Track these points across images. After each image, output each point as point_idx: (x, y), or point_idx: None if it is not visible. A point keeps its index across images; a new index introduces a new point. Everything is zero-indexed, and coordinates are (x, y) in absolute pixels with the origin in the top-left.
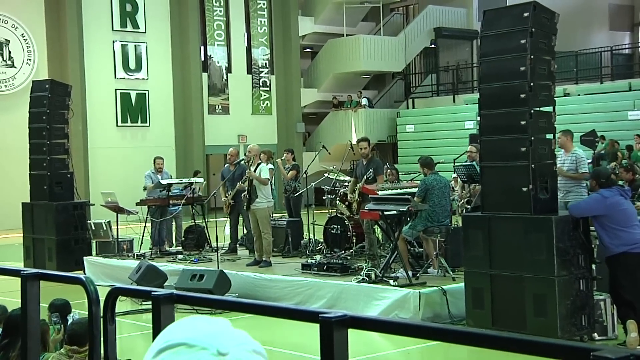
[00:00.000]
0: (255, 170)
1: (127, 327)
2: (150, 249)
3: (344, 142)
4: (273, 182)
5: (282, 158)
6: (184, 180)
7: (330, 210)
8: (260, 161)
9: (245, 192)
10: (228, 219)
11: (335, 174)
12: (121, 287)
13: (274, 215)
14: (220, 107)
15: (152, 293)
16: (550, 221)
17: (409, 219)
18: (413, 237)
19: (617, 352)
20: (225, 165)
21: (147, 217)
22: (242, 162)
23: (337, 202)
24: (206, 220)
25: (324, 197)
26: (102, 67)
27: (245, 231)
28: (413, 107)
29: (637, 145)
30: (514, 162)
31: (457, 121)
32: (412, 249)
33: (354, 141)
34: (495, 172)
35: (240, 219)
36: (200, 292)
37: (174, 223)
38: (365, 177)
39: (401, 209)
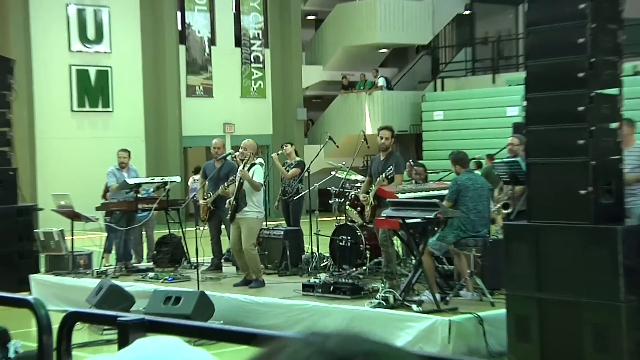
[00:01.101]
0: (248, 170)
1: None
2: (113, 264)
3: (356, 133)
4: (266, 182)
5: (280, 152)
6: (156, 179)
7: (339, 218)
8: (255, 162)
9: (232, 198)
10: (207, 227)
11: (345, 172)
12: (80, 312)
13: (267, 224)
14: (201, 88)
15: (119, 319)
16: (614, 232)
17: (436, 228)
18: (442, 252)
19: None
20: (210, 161)
21: (109, 225)
22: (229, 158)
23: (347, 207)
24: (184, 229)
25: (330, 201)
26: (54, 38)
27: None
28: (442, 89)
29: None
30: (569, 159)
31: (497, 107)
32: (440, 266)
33: (369, 131)
34: (545, 170)
35: (223, 226)
36: (176, 318)
37: (143, 233)
38: (384, 175)
39: (427, 216)
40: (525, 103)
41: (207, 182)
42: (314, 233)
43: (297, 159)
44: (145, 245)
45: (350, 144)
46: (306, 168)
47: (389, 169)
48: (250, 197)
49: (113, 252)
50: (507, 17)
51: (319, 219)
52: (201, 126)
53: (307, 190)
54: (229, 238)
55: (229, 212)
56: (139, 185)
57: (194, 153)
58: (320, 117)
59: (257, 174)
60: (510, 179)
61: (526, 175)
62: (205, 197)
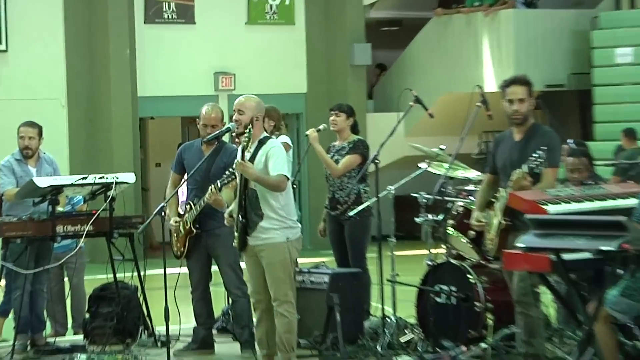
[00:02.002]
0: (254, 157)
1: None
2: (10, 340)
3: (466, 91)
4: (296, 182)
5: (322, 127)
6: (90, 178)
7: (434, 251)
8: (267, 135)
9: (234, 208)
10: (187, 269)
11: (446, 166)
12: None
13: (298, 260)
14: (173, 8)
15: None
16: None
17: (621, 271)
18: (632, 316)
19: None
20: (191, 142)
21: (4, 266)
22: (227, 137)
23: (451, 230)
24: (142, 272)
25: (418, 219)
26: None
27: (228, 301)
28: (631, 6)
29: None
30: None
31: None
32: (630, 342)
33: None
34: None
35: (215, 266)
36: None
37: (66, 279)
38: (522, 169)
39: (604, 249)
40: None
41: (185, 184)
42: (388, 280)
43: (355, 138)
44: (69, 302)
45: (455, 112)
46: (373, 157)
47: (533, 157)
48: (267, 202)
49: (10, 315)
50: None
51: (396, 252)
52: (173, 79)
53: (375, 198)
54: (226, 287)
55: (235, 234)
56: (58, 189)
57: (159, 129)
58: (398, 61)
59: (277, 161)
60: None
61: None
62: (183, 212)
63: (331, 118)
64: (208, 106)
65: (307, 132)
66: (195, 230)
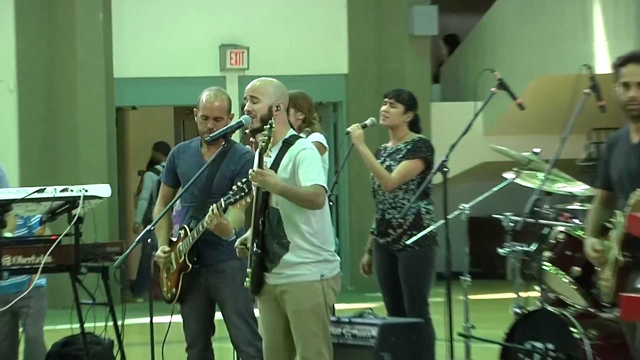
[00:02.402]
0: (277, 163)
1: None
2: None
3: (568, 73)
4: (333, 198)
5: (370, 122)
6: (50, 190)
7: (525, 295)
8: (294, 133)
9: (250, 237)
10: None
11: (539, 177)
12: None
13: (335, 306)
14: None
15: None
16: None
17: None
18: None
19: None
20: (187, 143)
21: None
22: (237, 136)
23: (547, 265)
24: (122, 321)
25: (501, 250)
26: None
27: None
28: None
29: None
30: None
31: None
32: None
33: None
34: None
35: (218, 315)
36: None
37: (21, 329)
38: None
39: None
40: None
41: (178, 200)
42: (459, 334)
43: (415, 137)
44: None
45: (552, 102)
46: (440, 163)
47: None
48: (295, 226)
49: None
50: None
51: (470, 295)
52: (163, 55)
53: (441, 220)
54: (233, 343)
55: (248, 270)
56: (4, 206)
57: (143, 124)
58: (474, 31)
59: (310, 168)
60: None
61: None
62: (176, 240)
63: (383, 108)
64: (209, 91)
65: (349, 129)
66: (191, 265)
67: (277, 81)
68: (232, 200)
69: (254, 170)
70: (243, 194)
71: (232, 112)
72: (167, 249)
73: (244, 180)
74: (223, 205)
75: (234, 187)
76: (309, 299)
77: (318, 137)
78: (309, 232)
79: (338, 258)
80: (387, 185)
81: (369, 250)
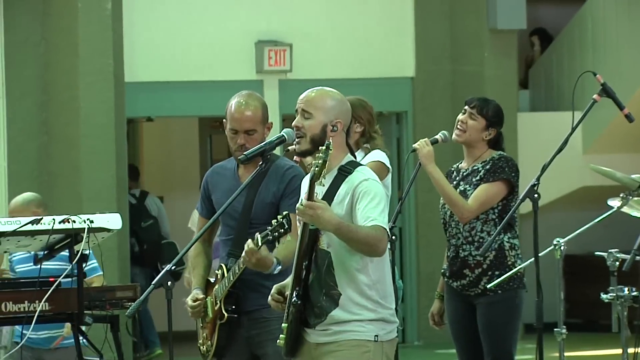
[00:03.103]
0: (331, 195)
1: None
2: None
3: None
4: (395, 231)
5: (440, 136)
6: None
7: (634, 351)
8: (354, 160)
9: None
10: None
11: None
12: None
13: None
14: None
15: None
16: None
17: None
18: None
19: None
20: (219, 167)
21: None
22: (278, 153)
23: None
24: None
25: (604, 295)
26: None
27: None
28: None
29: None
30: None
31: None
32: None
33: None
34: None
35: None
36: None
37: None
38: None
39: None
40: None
41: (210, 233)
42: None
43: (495, 155)
44: None
45: None
46: (529, 188)
47: None
48: (350, 274)
49: None
50: None
51: (567, 352)
52: (186, 55)
53: (530, 259)
54: None
55: (284, 325)
56: None
57: (161, 138)
58: (570, 26)
59: (372, 204)
60: None
61: None
62: (213, 282)
63: (460, 118)
64: (239, 98)
65: (416, 145)
66: (227, 315)
67: (340, 95)
68: (269, 237)
69: (301, 204)
70: (282, 230)
71: (270, 121)
72: (200, 295)
73: (284, 212)
74: (260, 243)
75: (273, 221)
76: None
77: (379, 155)
78: (365, 284)
79: (397, 320)
80: (462, 214)
81: (440, 296)
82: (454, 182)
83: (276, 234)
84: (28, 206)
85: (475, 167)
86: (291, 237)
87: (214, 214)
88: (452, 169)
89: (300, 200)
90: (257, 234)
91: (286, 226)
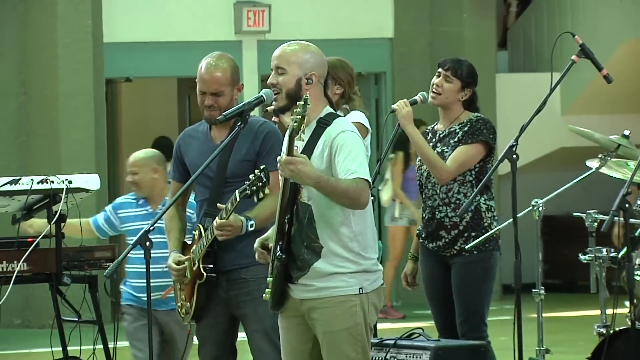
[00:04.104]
0: (310, 148)
1: None
2: None
3: None
4: (375, 191)
5: (419, 97)
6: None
7: (611, 312)
8: (332, 112)
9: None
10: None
11: (630, 166)
12: None
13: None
14: None
15: None
16: None
17: None
18: None
19: None
20: (190, 130)
21: None
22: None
23: None
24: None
25: (582, 256)
26: None
27: None
28: None
29: None
30: None
31: None
32: None
33: None
34: None
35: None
36: None
37: None
38: None
39: None
40: None
41: (184, 197)
42: (531, 359)
43: (472, 117)
44: None
45: None
46: (507, 149)
47: None
48: (332, 227)
49: None
50: None
51: (545, 313)
52: (164, 14)
53: (508, 220)
54: None
55: (269, 279)
56: None
57: (139, 99)
58: None
59: (351, 156)
60: None
61: None
62: (190, 242)
63: (435, 81)
64: (209, 59)
65: (394, 106)
66: (206, 274)
67: (314, 47)
68: (247, 192)
69: (281, 158)
70: (260, 184)
71: (240, 83)
72: (181, 257)
73: (262, 166)
74: (238, 199)
75: (251, 176)
76: (344, 317)
77: (358, 116)
78: (347, 236)
79: (381, 267)
80: (441, 176)
81: (414, 257)
82: (430, 144)
83: (254, 187)
84: (148, 162)
85: (452, 129)
86: (269, 195)
87: (188, 177)
88: (428, 130)
89: (280, 156)
90: (236, 191)
91: (264, 179)
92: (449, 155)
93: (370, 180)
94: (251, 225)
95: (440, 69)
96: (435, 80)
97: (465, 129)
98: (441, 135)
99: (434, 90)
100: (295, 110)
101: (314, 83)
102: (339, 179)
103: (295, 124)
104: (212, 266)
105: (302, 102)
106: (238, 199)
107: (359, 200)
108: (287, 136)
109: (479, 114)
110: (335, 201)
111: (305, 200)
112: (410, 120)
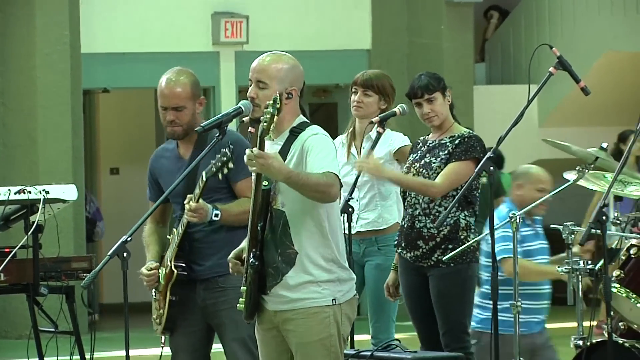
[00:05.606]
0: (283, 153)
1: None
2: None
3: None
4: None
5: (398, 109)
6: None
7: (588, 324)
8: (305, 120)
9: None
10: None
11: (607, 178)
12: None
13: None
14: None
15: None
16: None
17: None
18: None
19: None
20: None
21: None
22: (234, 125)
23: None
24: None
25: (559, 268)
26: None
27: None
28: None
29: None
30: None
31: None
32: None
33: None
34: None
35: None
36: None
37: None
38: None
39: None
40: None
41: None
42: None
43: (464, 132)
44: None
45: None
46: (483, 161)
47: None
48: (307, 231)
49: None
50: None
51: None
52: (143, 26)
53: (485, 232)
54: None
55: (242, 289)
56: None
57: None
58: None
59: (321, 155)
60: None
61: None
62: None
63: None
64: (169, 74)
65: (357, 168)
66: (177, 272)
67: (292, 59)
68: (213, 169)
69: (250, 152)
70: (225, 158)
71: (202, 97)
72: (153, 264)
73: (231, 146)
74: (204, 179)
75: (217, 155)
76: (318, 328)
77: (406, 139)
78: (321, 242)
79: (354, 276)
80: (433, 194)
81: (394, 267)
82: (418, 153)
83: (219, 163)
84: None
85: (443, 141)
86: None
87: (157, 194)
88: (419, 141)
89: (249, 150)
90: (202, 172)
91: (229, 154)
92: (436, 165)
93: (339, 175)
94: (216, 215)
95: (416, 98)
96: (418, 103)
97: (457, 142)
98: (430, 146)
99: (428, 110)
100: (265, 110)
101: (293, 98)
102: (309, 173)
103: (265, 123)
104: (183, 265)
105: (271, 102)
106: (204, 179)
107: (329, 192)
108: (258, 136)
109: (470, 130)
110: (306, 195)
111: (279, 207)
112: (380, 170)
